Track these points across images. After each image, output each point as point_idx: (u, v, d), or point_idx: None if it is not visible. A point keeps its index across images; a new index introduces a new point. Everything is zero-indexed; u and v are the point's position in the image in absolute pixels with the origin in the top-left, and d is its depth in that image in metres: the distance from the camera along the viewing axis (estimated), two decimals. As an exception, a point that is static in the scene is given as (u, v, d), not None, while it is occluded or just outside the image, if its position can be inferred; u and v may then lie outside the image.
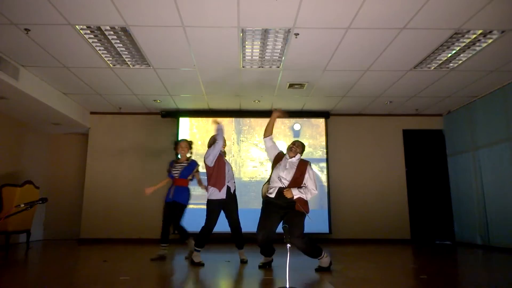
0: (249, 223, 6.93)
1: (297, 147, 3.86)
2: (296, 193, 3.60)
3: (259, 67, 5.09)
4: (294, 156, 3.81)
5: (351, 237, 6.91)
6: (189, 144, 4.78)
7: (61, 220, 7.54)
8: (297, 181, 3.68)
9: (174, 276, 3.46)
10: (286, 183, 3.67)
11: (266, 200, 3.85)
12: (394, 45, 4.39)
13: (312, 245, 3.62)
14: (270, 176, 3.91)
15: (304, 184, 3.70)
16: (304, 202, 3.65)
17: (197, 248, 4.11)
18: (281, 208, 3.69)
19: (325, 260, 3.66)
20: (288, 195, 3.57)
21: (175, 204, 4.51)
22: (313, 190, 3.67)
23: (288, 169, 3.73)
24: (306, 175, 3.71)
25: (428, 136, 7.45)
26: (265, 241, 3.78)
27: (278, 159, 3.91)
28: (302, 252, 3.65)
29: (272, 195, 3.73)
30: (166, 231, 4.52)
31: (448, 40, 4.26)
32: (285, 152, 3.96)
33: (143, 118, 7.40)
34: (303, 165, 3.76)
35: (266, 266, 3.94)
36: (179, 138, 4.83)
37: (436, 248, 6.09)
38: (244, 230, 6.76)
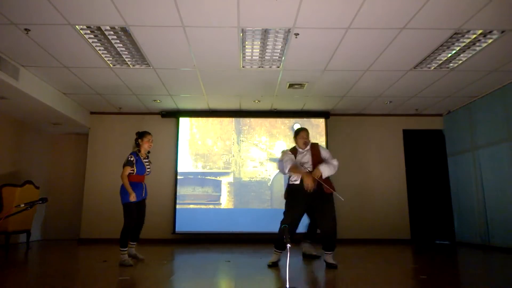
0: (249, 222, 6.97)
1: (307, 138, 4.09)
2: (322, 169, 3.79)
3: (259, 67, 5.09)
4: (306, 147, 4.10)
5: (351, 237, 6.91)
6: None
7: (61, 220, 7.55)
8: (317, 162, 3.95)
9: (174, 276, 3.46)
10: (309, 169, 3.89)
11: (291, 188, 3.94)
12: (394, 45, 4.39)
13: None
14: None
15: (323, 159, 3.97)
16: (329, 183, 3.86)
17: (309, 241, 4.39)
18: (306, 194, 3.80)
19: (330, 256, 3.82)
20: (317, 174, 3.75)
21: (144, 202, 4.32)
22: (333, 161, 3.93)
23: (306, 158, 3.99)
24: (322, 152, 4.02)
25: (428, 136, 7.45)
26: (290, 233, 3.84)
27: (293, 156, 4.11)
28: (329, 238, 3.79)
29: (298, 182, 3.87)
30: (137, 230, 4.31)
31: (448, 40, 4.26)
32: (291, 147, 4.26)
33: (143, 118, 7.40)
34: (314, 148, 4.08)
35: (276, 265, 3.95)
36: (146, 131, 4.31)
37: (436, 248, 6.09)
38: (244, 230, 6.81)
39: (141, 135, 4.26)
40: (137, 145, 4.25)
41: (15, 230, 5.68)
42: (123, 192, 4.09)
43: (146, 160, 4.30)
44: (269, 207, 6.96)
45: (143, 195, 4.26)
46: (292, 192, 3.94)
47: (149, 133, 4.30)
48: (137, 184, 4.15)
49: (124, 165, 4.10)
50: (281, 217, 3.96)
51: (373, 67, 5.07)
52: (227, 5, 3.55)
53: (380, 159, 7.35)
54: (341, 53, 4.63)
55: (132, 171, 4.10)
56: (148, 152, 4.35)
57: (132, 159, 4.12)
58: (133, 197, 3.99)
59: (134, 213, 4.11)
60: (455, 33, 4.10)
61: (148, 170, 4.29)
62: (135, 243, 4.37)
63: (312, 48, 4.50)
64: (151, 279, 3.26)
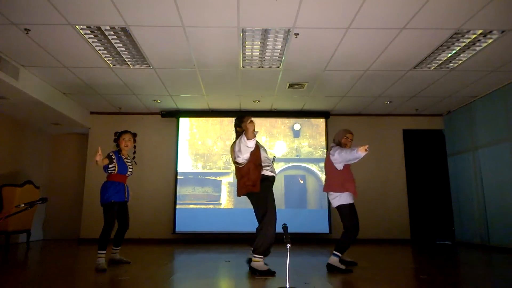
0: (249, 222, 6.95)
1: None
2: None
3: (259, 67, 5.09)
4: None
5: (351, 237, 6.90)
6: (134, 136, 4.20)
7: (61, 220, 7.55)
8: None
9: (174, 276, 3.46)
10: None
11: (269, 179, 3.60)
12: (394, 45, 4.39)
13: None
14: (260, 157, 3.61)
15: None
16: None
17: (337, 253, 3.66)
18: None
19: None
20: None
21: (126, 204, 4.13)
22: None
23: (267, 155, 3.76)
24: None
25: (428, 136, 7.45)
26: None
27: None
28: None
29: (274, 174, 3.67)
30: (121, 234, 4.15)
31: (448, 40, 4.26)
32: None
33: (143, 118, 7.40)
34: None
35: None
36: (125, 131, 4.17)
37: (436, 248, 6.09)
38: (244, 230, 6.81)
39: (118, 136, 4.13)
40: (117, 145, 4.12)
41: (15, 230, 5.68)
42: (103, 191, 3.88)
43: (129, 160, 4.15)
44: (269, 207, 6.95)
45: (126, 197, 4.04)
46: (269, 186, 3.59)
47: (126, 132, 4.12)
48: (118, 184, 3.95)
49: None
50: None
51: (373, 67, 5.07)
52: (227, 5, 3.55)
53: (380, 159, 7.35)
54: (341, 53, 4.63)
55: (113, 168, 3.92)
56: (134, 152, 4.22)
57: (111, 154, 3.97)
58: (98, 156, 3.59)
59: (115, 213, 3.91)
60: (455, 33, 4.10)
61: (130, 171, 4.10)
62: (118, 248, 4.17)
63: (312, 48, 4.50)
64: (151, 279, 3.26)
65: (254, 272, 3.43)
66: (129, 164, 4.12)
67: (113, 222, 3.87)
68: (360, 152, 3.53)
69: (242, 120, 3.67)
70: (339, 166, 3.78)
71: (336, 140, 4.01)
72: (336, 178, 3.78)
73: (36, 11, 3.61)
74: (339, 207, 3.74)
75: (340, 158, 3.71)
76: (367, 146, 3.52)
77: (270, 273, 3.37)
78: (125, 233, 4.17)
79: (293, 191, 7.13)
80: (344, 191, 3.71)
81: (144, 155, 7.27)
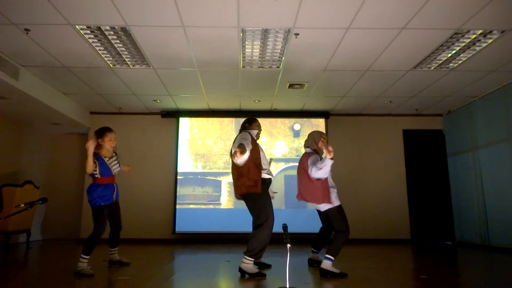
0: (249, 222, 6.94)
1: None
2: None
3: (259, 67, 5.09)
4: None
5: (351, 237, 6.86)
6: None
7: (61, 220, 7.55)
8: None
9: (174, 276, 3.46)
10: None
11: (265, 182, 3.53)
12: (394, 45, 4.39)
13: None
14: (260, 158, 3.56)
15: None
16: None
17: (330, 257, 3.45)
18: None
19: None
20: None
21: (116, 204, 3.96)
22: None
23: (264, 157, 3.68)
24: None
25: (428, 136, 7.46)
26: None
27: (254, 141, 3.62)
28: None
29: (272, 176, 3.61)
30: (115, 235, 4.07)
31: (448, 40, 4.27)
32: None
33: (143, 118, 7.40)
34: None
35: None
36: (109, 128, 3.81)
37: (436, 248, 6.09)
38: (244, 230, 6.81)
39: (100, 133, 3.69)
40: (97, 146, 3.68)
41: (15, 230, 5.68)
42: (88, 194, 3.64)
43: (113, 159, 3.83)
44: (269, 207, 6.95)
45: (115, 197, 3.83)
46: (266, 189, 3.52)
47: (110, 130, 3.75)
48: (104, 186, 3.69)
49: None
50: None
51: (373, 67, 5.07)
52: (227, 5, 3.55)
53: (380, 159, 7.35)
54: (341, 53, 4.63)
55: (94, 172, 3.63)
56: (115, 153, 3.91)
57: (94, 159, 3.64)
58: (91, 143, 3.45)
59: (105, 216, 3.70)
60: (455, 33, 4.10)
61: (116, 170, 3.82)
62: (115, 249, 4.08)
63: (312, 48, 4.50)
64: (151, 279, 3.26)
65: (243, 275, 3.38)
66: (114, 163, 3.81)
67: (104, 225, 3.67)
68: (328, 163, 3.36)
69: (252, 124, 3.76)
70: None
71: (311, 145, 3.74)
72: (315, 187, 3.55)
73: (36, 11, 3.61)
74: (328, 211, 3.58)
75: (314, 176, 3.50)
76: (330, 148, 3.35)
77: (260, 275, 3.33)
78: (119, 233, 4.08)
79: (293, 191, 7.12)
80: (327, 200, 3.51)
81: (144, 155, 7.28)
